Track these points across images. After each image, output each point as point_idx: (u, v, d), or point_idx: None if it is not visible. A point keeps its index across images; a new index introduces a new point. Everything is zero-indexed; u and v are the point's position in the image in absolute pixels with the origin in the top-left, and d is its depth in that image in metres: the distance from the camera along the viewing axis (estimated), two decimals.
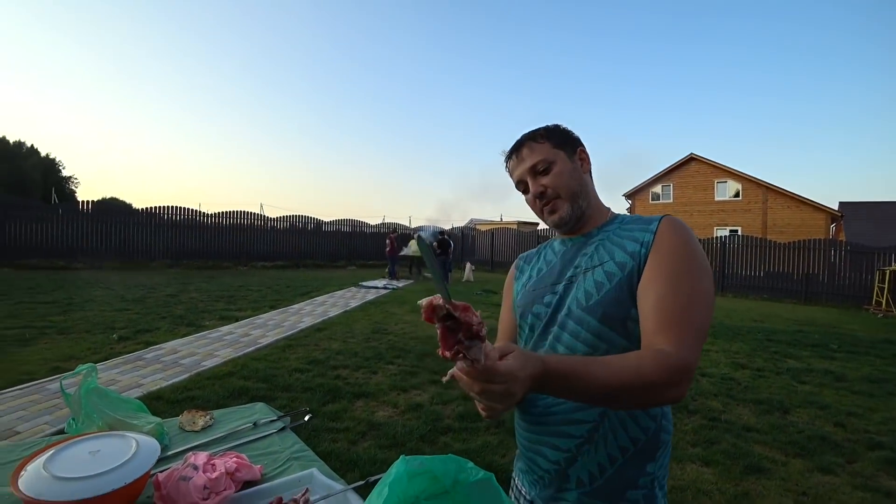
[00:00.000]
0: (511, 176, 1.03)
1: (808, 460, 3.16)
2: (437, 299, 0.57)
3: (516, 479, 1.04)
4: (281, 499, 0.94)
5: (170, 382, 4.12)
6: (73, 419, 1.20)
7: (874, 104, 64.39)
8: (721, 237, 16.38)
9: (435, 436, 3.29)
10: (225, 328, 6.53)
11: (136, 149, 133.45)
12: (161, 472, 1.03)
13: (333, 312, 8.20)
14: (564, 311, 0.91)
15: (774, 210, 23.04)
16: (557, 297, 0.94)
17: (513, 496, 1.03)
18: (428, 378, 4.51)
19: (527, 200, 1.01)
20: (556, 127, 1.00)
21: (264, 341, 5.83)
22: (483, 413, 0.70)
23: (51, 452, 0.93)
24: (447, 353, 0.57)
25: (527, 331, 1.00)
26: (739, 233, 21.13)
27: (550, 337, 0.93)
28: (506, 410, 0.63)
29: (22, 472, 0.88)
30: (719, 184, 24.62)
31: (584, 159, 1.01)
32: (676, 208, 25.65)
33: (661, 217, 0.90)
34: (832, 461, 3.15)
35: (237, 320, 7.12)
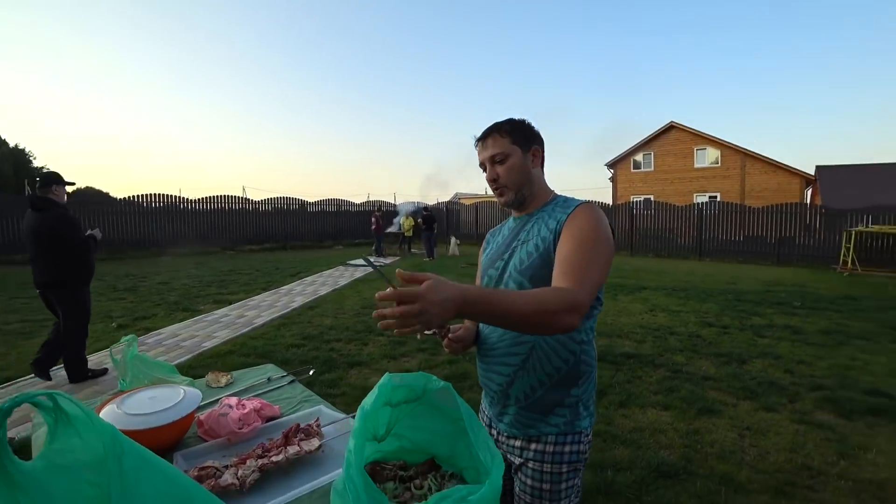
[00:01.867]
0: (479, 156, 1.29)
1: (756, 402, 3.58)
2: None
3: (482, 402, 1.36)
4: (298, 425, 1.23)
5: (175, 363, 4.38)
6: (123, 380, 1.47)
7: (856, 65, 64.86)
8: (698, 204, 16.85)
9: None
10: (220, 311, 6.77)
11: (116, 135, 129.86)
12: (202, 414, 1.32)
13: (324, 291, 8.47)
14: (507, 274, 1.21)
15: (752, 175, 23.54)
16: (503, 262, 1.24)
17: (481, 416, 1.35)
18: (416, 347, 4.85)
19: (486, 178, 1.28)
20: (521, 123, 1.25)
21: (259, 321, 6.10)
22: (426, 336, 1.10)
23: (121, 398, 1.21)
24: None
25: None
26: (718, 199, 21.67)
27: None
28: (427, 329, 0.81)
29: (101, 412, 1.16)
30: (699, 151, 25.02)
31: (537, 155, 1.27)
32: (657, 176, 26.01)
33: (580, 202, 1.18)
34: (776, 401, 3.57)
35: (231, 303, 7.36)
